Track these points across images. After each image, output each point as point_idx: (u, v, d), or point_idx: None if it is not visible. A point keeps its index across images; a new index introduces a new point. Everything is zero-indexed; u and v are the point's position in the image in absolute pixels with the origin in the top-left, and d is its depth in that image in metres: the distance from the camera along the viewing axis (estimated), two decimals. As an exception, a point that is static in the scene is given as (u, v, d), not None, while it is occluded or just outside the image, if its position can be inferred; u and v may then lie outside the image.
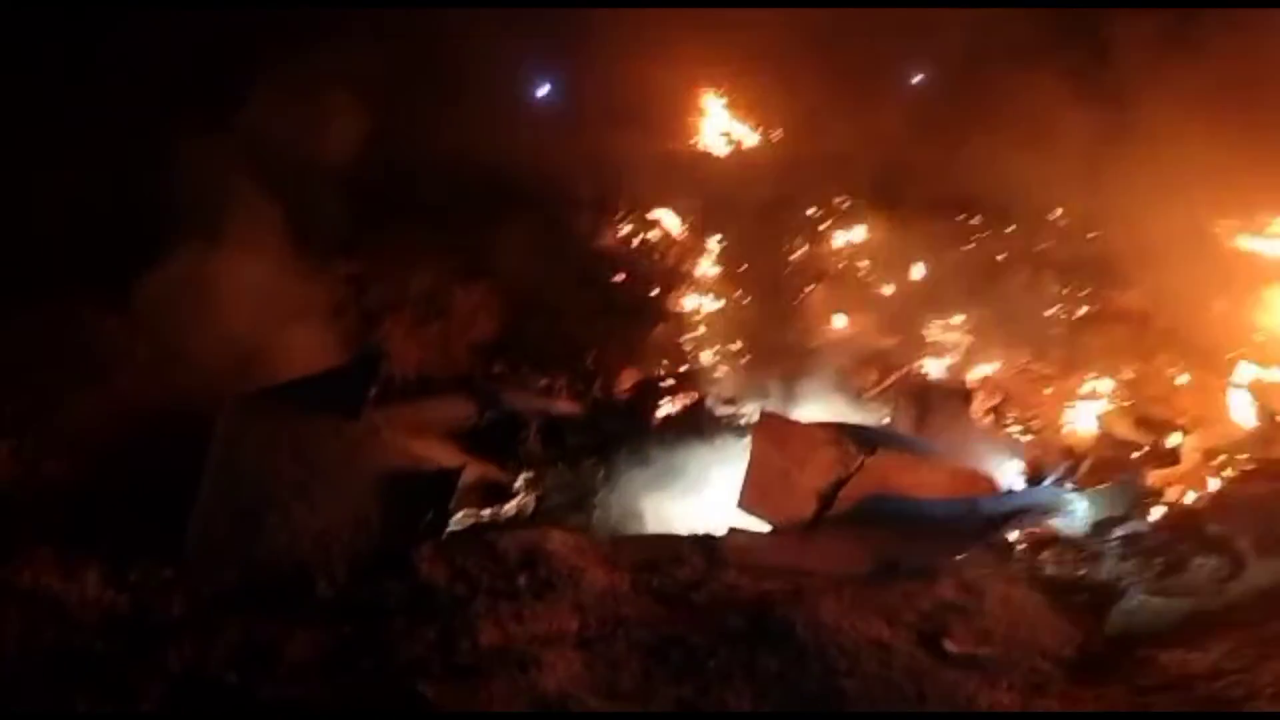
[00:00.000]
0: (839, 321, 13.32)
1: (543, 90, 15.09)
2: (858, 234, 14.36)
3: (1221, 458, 9.03)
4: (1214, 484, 8.42)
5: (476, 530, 7.38)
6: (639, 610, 6.01)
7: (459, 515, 7.68)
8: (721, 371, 12.22)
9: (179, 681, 4.67)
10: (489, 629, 5.31)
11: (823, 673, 5.37)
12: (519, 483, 8.61)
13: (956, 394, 11.18)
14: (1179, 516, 8.00)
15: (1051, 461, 9.99)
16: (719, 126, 15.92)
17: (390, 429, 8.40)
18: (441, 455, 8.17)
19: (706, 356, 12.75)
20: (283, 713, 4.35)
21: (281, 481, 6.67)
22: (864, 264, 14.32)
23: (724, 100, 16.00)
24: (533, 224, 13.59)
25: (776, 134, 15.91)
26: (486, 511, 8.01)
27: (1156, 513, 8.22)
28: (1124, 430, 10.35)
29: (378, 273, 12.10)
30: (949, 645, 6.25)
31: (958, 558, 7.60)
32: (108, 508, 6.54)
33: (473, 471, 8.23)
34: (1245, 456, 8.92)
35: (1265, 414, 9.60)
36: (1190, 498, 8.34)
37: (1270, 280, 10.58)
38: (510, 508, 8.27)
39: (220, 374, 8.79)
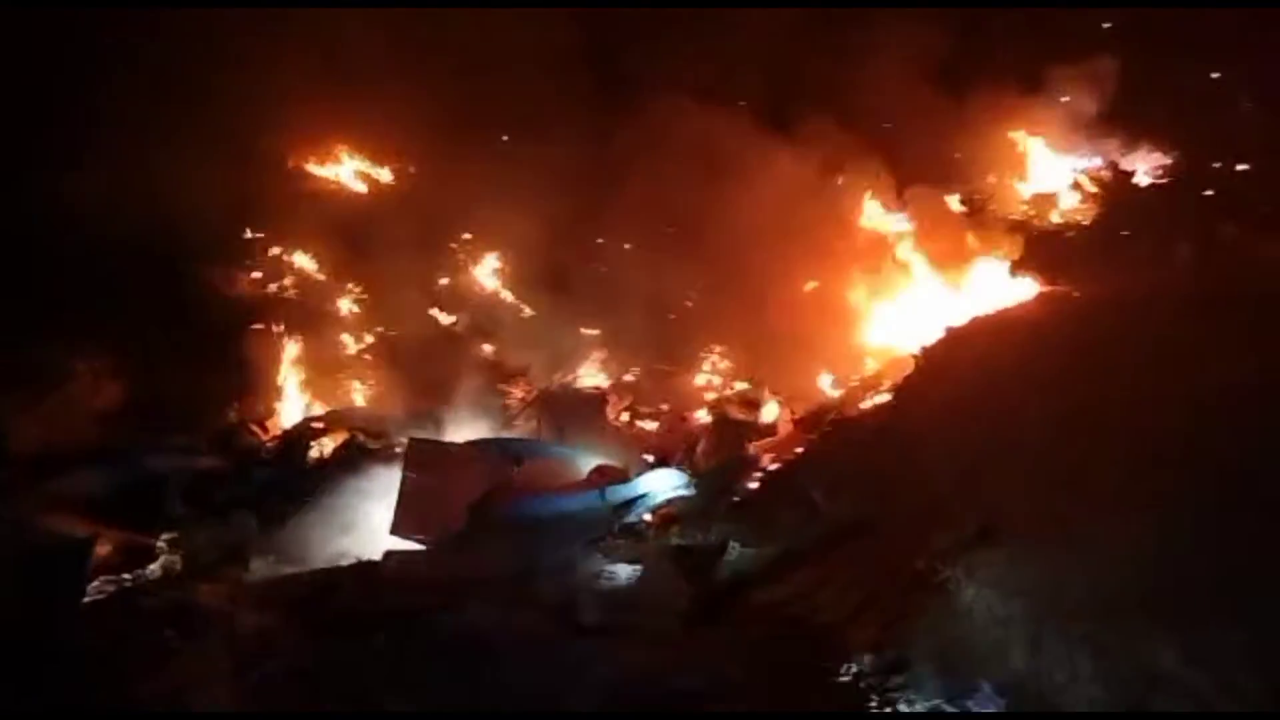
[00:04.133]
0: (485, 347, 14.10)
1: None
2: (491, 263, 15.25)
3: (805, 425, 10.67)
4: (801, 447, 9.90)
5: (121, 595, 7.23)
6: (292, 641, 6.28)
7: (97, 583, 7.47)
8: (372, 407, 12.52)
9: None
10: (140, 680, 5.38)
11: (468, 661, 5.93)
12: (161, 544, 8.45)
13: (592, 399, 12.25)
14: (774, 478, 9.37)
15: (675, 447, 11.27)
16: (349, 168, 16.20)
17: (17, 510, 8.00)
18: (73, 528, 7.88)
19: (355, 394, 13.00)
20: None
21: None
22: (503, 291, 15.25)
23: (352, 144, 16.28)
24: (160, 281, 13.16)
25: (408, 174, 16.43)
26: (129, 576, 7.83)
27: (758, 478, 9.57)
28: (735, 410, 11.86)
29: (-21, 350, 11.21)
30: (583, 619, 7.07)
31: (594, 544, 8.49)
32: None
33: (110, 538, 8.02)
34: (827, 421, 10.56)
35: (842, 384, 11.42)
36: (784, 461, 9.77)
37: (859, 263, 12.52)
38: (155, 569, 8.12)
39: None
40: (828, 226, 13.25)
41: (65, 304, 12.50)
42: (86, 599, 7.11)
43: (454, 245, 15.40)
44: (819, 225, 13.17)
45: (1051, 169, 16.05)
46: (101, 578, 7.60)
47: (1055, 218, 15.34)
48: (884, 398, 10.12)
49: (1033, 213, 15.75)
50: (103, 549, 7.91)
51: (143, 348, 12.31)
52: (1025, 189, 16.39)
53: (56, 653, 5.70)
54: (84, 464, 9.54)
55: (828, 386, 11.47)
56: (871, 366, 11.50)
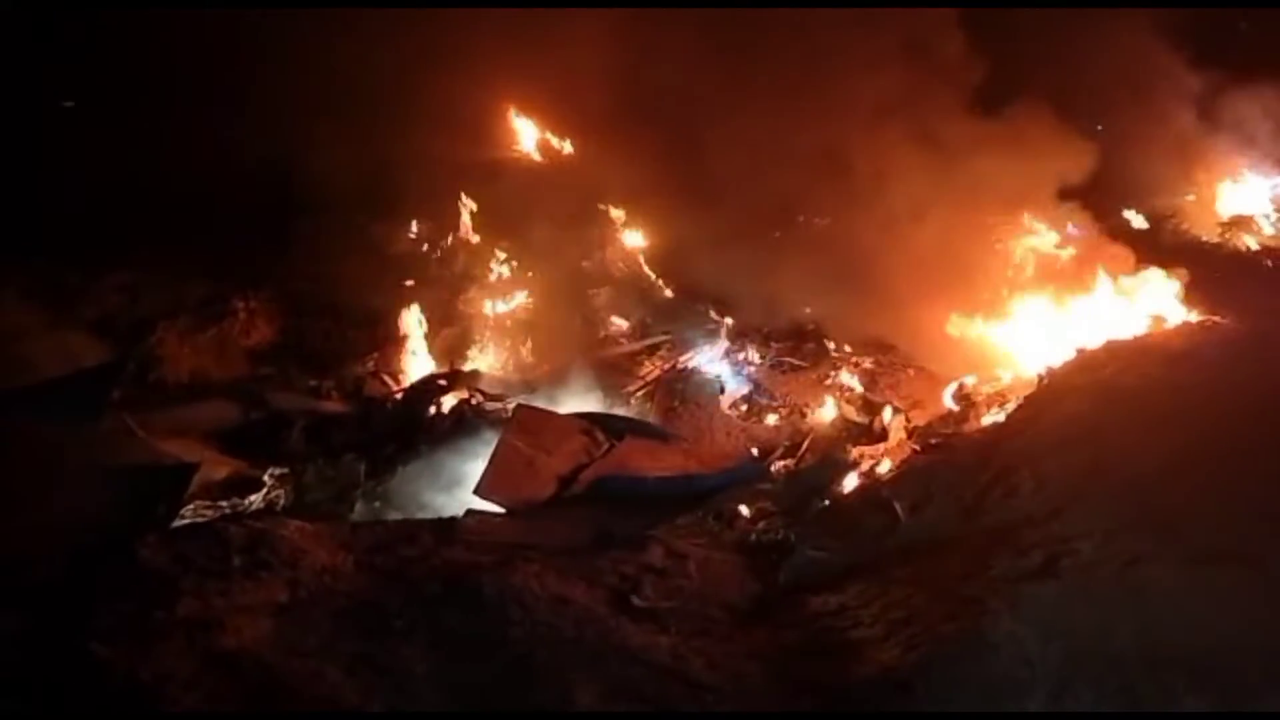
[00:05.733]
0: (618, 323, 14.27)
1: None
2: (639, 240, 15.40)
3: (917, 435, 10.30)
4: (899, 457, 9.56)
5: (211, 522, 7.79)
6: (351, 584, 6.55)
7: (192, 507, 8.08)
8: (497, 371, 12.92)
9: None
10: (189, 602, 5.76)
11: (495, 624, 6.06)
12: (267, 477, 9.03)
13: (709, 386, 12.20)
14: (866, 485, 9.08)
15: (782, 442, 11.10)
16: (516, 135, 16.69)
17: (144, 430, 8.75)
18: (186, 452, 8.54)
19: (485, 358, 13.43)
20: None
21: (10, 483, 6.95)
22: (646, 268, 15.39)
23: (525, 111, 16.78)
24: (322, 229, 13.95)
25: (573, 145, 16.80)
26: (227, 504, 8.42)
27: (852, 482, 9.30)
28: (852, 413, 11.57)
29: (151, 282, 12.28)
30: (636, 600, 7.08)
31: (669, 527, 8.48)
32: None
33: (222, 467, 8.65)
34: (937, 434, 10.17)
35: (965, 398, 10.96)
36: (882, 469, 9.46)
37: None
38: (256, 500, 8.69)
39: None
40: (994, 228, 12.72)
41: (235, 249, 13.53)
42: (181, 521, 7.66)
43: (605, 220, 15.65)
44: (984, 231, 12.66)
45: (1254, 191, 14.86)
46: (202, 502, 8.20)
47: (1251, 242, 14.20)
48: (1000, 417, 9.65)
49: (1225, 235, 14.66)
50: (213, 476, 8.54)
51: (297, 294, 13.14)
52: (1222, 209, 15.25)
53: (132, 567, 6.18)
54: (217, 395, 10.31)
55: (951, 399, 11.02)
56: (1001, 383, 10.99)
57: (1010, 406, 9.89)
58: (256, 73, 14.13)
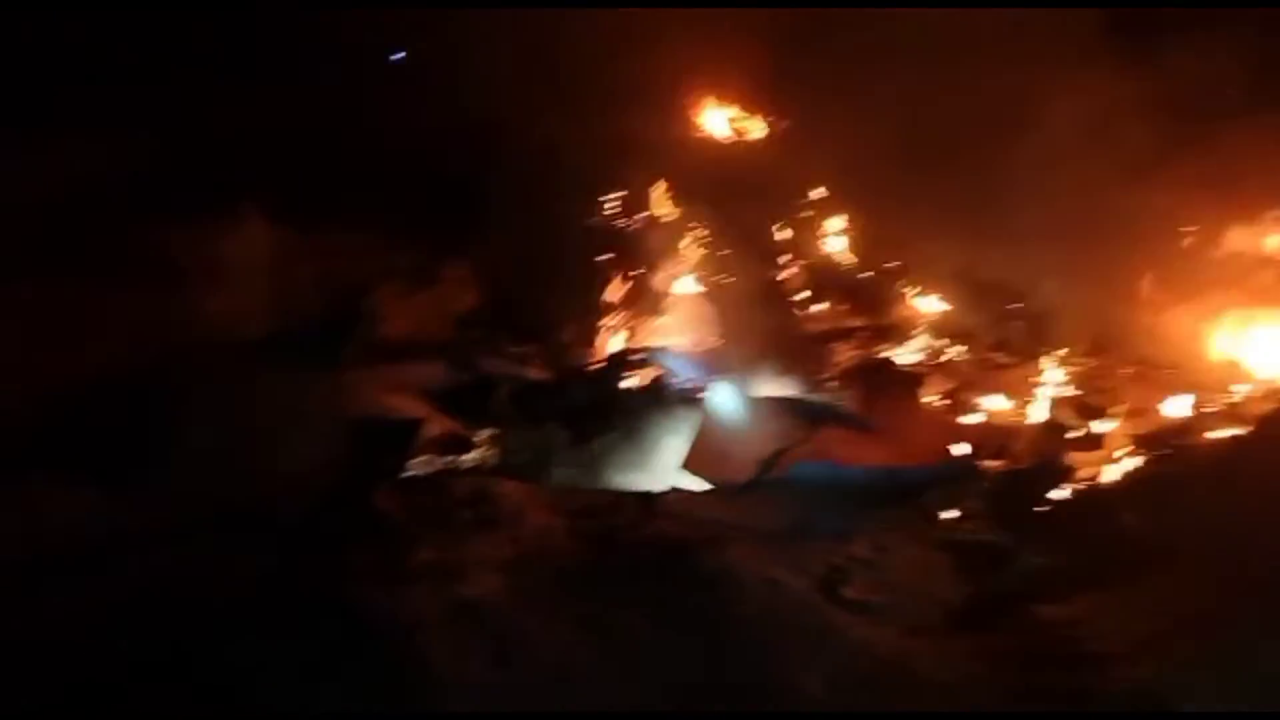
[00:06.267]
0: (815, 305, 14.02)
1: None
2: (838, 223, 15.03)
3: (1142, 444, 9.67)
4: (1127, 466, 9.01)
5: (435, 476, 8.09)
6: (568, 545, 6.70)
7: (418, 460, 8.41)
8: (692, 348, 12.90)
9: (138, 588, 5.40)
10: (426, 550, 6.01)
11: (715, 601, 6.05)
12: (480, 438, 9.30)
13: (909, 377, 11.84)
14: (1085, 492, 8.61)
15: (990, 441, 10.64)
16: (713, 113, 16.57)
17: (368, 384, 9.18)
18: (410, 409, 8.92)
19: (681, 334, 13.44)
20: (235, 613, 5.06)
21: (259, 424, 7.39)
22: (845, 251, 15.02)
23: (721, 89, 16.63)
24: (523, 201, 14.23)
25: (771, 124, 16.54)
26: (446, 460, 8.72)
27: (1068, 489, 8.84)
28: (1065, 416, 10.98)
29: (370, 245, 12.81)
30: (846, 591, 6.95)
31: (873, 520, 8.28)
32: (97, 438, 7.30)
33: (438, 425, 8.98)
34: (1164, 444, 9.52)
35: (1194, 409, 10.23)
36: (1102, 477, 8.95)
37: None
38: (470, 458, 8.96)
39: (212, 329, 9.58)
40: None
41: (448, 217, 13.97)
42: (406, 473, 8.00)
43: (803, 202, 15.35)
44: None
45: None
46: (423, 456, 8.54)
47: None
48: (1240, 430, 8.96)
49: None
50: (429, 432, 8.87)
51: (505, 263, 13.45)
52: None
53: (371, 514, 6.48)
54: (430, 356, 10.70)
55: (1183, 409, 10.27)
56: (1239, 395, 10.20)
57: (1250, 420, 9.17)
58: (464, 49, 14.55)
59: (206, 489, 7.09)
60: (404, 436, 8.25)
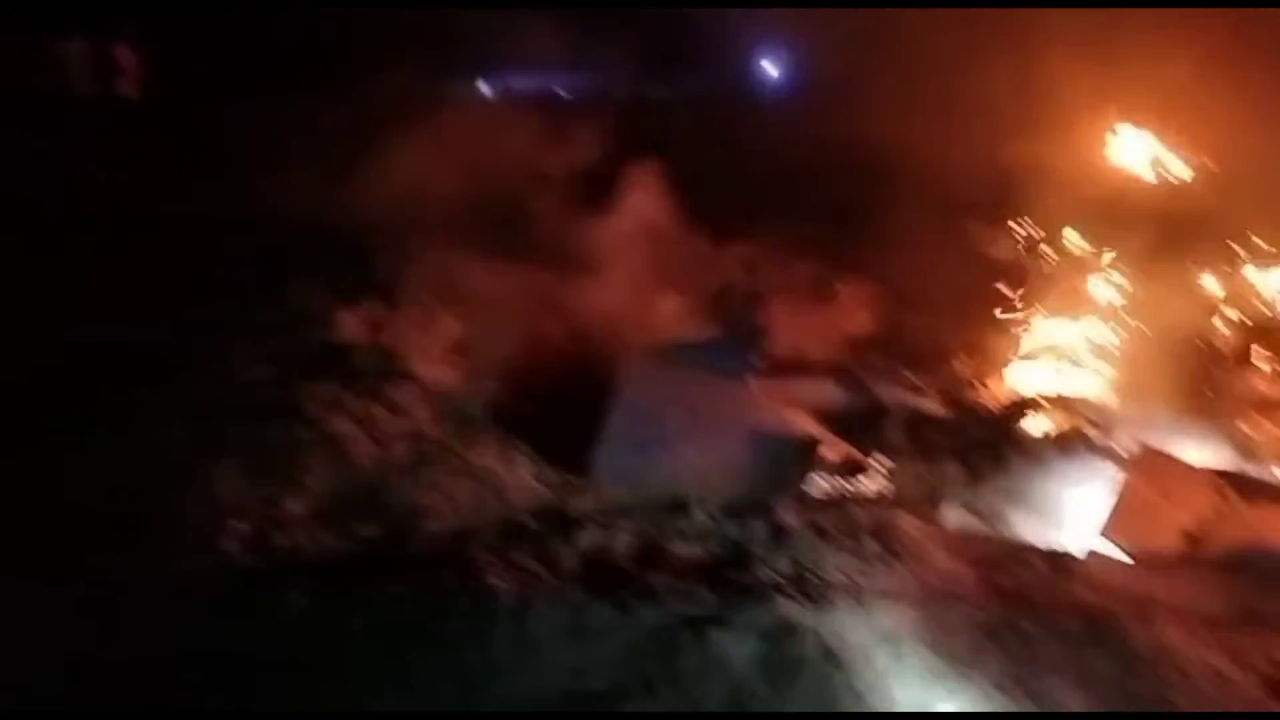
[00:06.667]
0: (1257, 365, 12.45)
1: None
2: (1282, 278, 13.33)
3: None
4: None
5: (831, 498, 8.03)
6: (976, 593, 6.35)
7: (816, 481, 8.40)
8: (1102, 397, 11.91)
9: (588, 558, 5.78)
10: (835, 573, 5.94)
11: (1156, 685, 5.47)
12: (876, 466, 9.12)
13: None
14: None
15: None
16: (1136, 149, 15.28)
17: (767, 398, 9.32)
18: (808, 428, 8.93)
19: (1088, 380, 12.46)
20: (669, 600, 5.28)
21: (673, 425, 7.71)
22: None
23: (1146, 124, 15.31)
24: (923, 225, 13.90)
25: (1202, 163, 15.01)
26: (842, 484, 8.63)
27: None
28: None
29: (767, 259, 13.06)
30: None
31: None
32: (537, 424, 7.96)
33: (835, 448, 8.91)
34: None
35: None
36: None
37: None
38: (864, 486, 8.82)
39: (620, 329, 10.21)
40: None
41: (840, 236, 13.96)
42: (803, 489, 8.01)
43: (1241, 248, 13.76)
44: None
45: None
46: (821, 476, 8.51)
47: None
48: None
49: None
50: (825, 454, 8.83)
51: (897, 287, 13.19)
52: None
53: (775, 525, 6.54)
54: (821, 374, 10.68)
55: None
56: None
57: None
58: (872, 68, 14.44)
59: (621, 478, 7.54)
60: (805, 455, 8.27)
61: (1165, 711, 4.98)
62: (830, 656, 5.07)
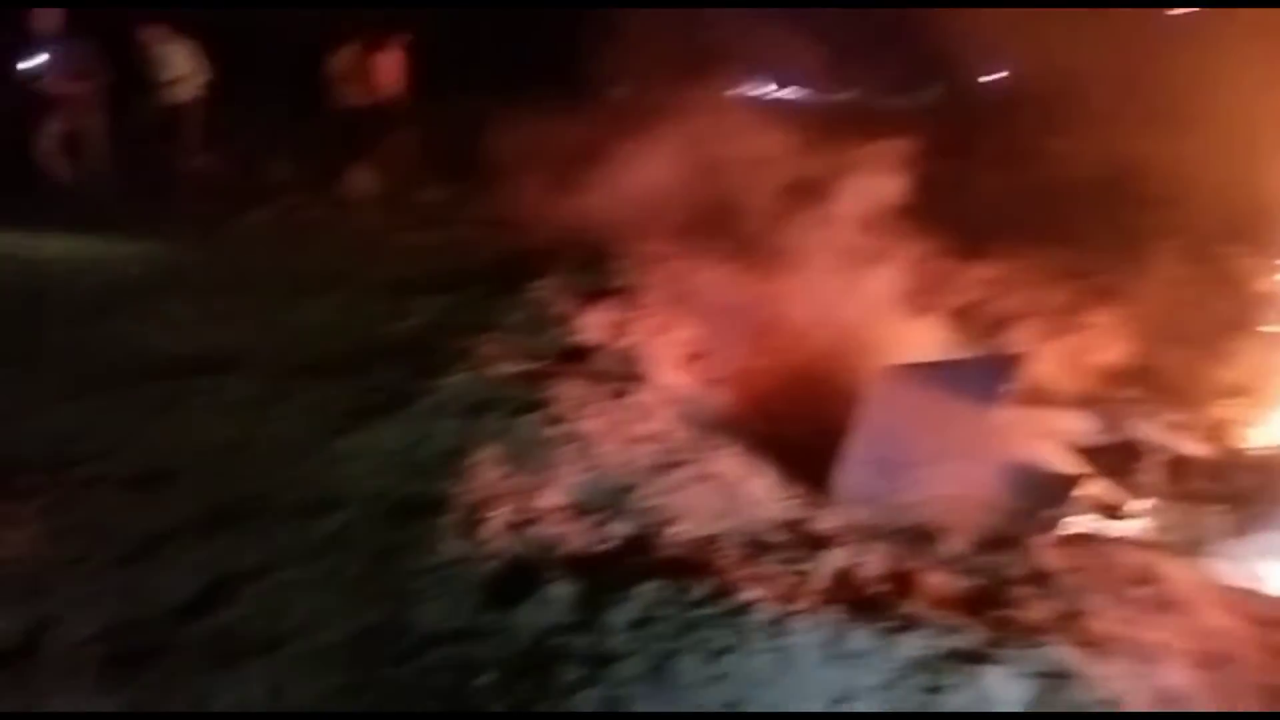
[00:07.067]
0: None
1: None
2: None
3: None
4: None
5: (1089, 537, 7.61)
6: (1258, 658, 5.85)
7: (1072, 519, 7.97)
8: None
9: (838, 578, 5.70)
10: (1102, 622, 5.62)
11: None
12: (1135, 508, 8.57)
13: None
14: None
15: None
16: None
17: (1020, 426, 8.93)
18: (1062, 462, 8.49)
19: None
20: (929, 631, 5.13)
21: (922, 447, 7.50)
22: None
23: None
24: (1183, 253, 13.09)
25: None
26: (1099, 524, 8.16)
27: None
28: None
29: (1013, 281, 12.54)
30: None
31: None
32: (776, 437, 7.94)
33: (1090, 485, 8.43)
34: None
35: None
36: None
37: None
38: (1123, 528, 8.30)
39: (861, 344, 10.01)
40: None
41: (1093, 257, 13.22)
42: (1060, 527, 7.62)
43: None
44: None
45: None
46: (1082, 516, 8.07)
47: None
48: None
49: None
50: (1083, 491, 8.37)
51: (1153, 318, 12.37)
52: None
53: (1027, 563, 6.26)
54: (1069, 405, 10.14)
55: None
56: None
57: None
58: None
59: (866, 500, 7.41)
60: (1061, 490, 7.87)
61: (1167, 712, 4.81)
62: (1109, 709, 4.78)
